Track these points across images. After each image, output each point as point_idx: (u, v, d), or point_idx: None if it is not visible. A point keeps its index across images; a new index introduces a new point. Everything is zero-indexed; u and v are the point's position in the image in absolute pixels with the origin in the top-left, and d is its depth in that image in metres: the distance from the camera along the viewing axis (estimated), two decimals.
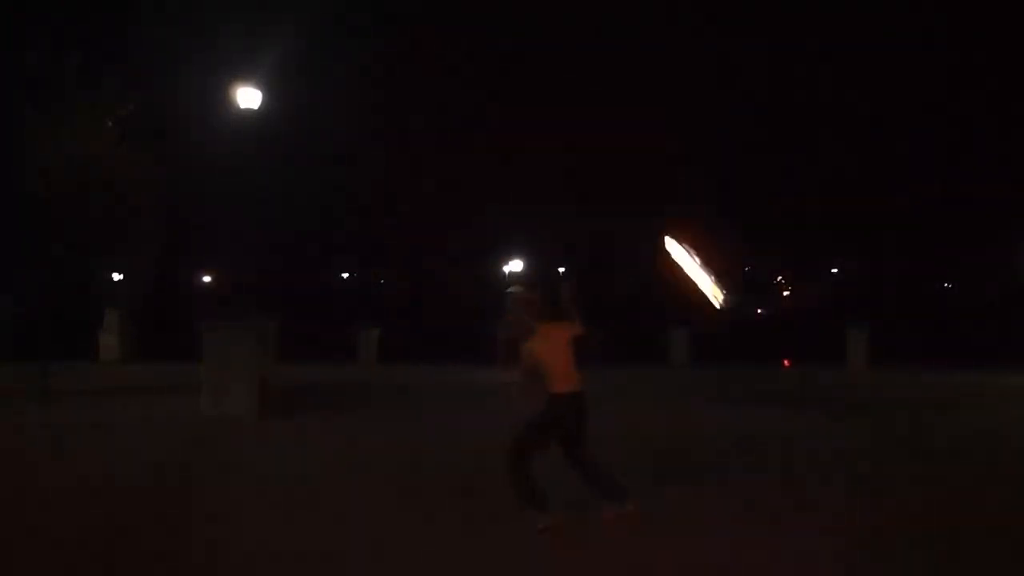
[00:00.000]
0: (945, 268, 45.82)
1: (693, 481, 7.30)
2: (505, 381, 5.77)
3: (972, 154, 37.29)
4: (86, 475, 7.59)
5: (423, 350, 26.93)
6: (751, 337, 33.53)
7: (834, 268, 52.57)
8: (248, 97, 14.16)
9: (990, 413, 13.40)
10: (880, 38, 37.85)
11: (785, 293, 59.57)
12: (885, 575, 4.96)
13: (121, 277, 29.09)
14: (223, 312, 13.25)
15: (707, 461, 8.44)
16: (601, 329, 5.83)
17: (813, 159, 40.50)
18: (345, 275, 54.06)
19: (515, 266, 30.32)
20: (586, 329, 5.72)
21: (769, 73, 37.80)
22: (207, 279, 46.95)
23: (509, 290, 5.89)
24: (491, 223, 36.89)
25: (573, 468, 5.78)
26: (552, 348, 5.60)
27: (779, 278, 58.24)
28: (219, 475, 7.69)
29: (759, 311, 55.58)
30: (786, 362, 28.41)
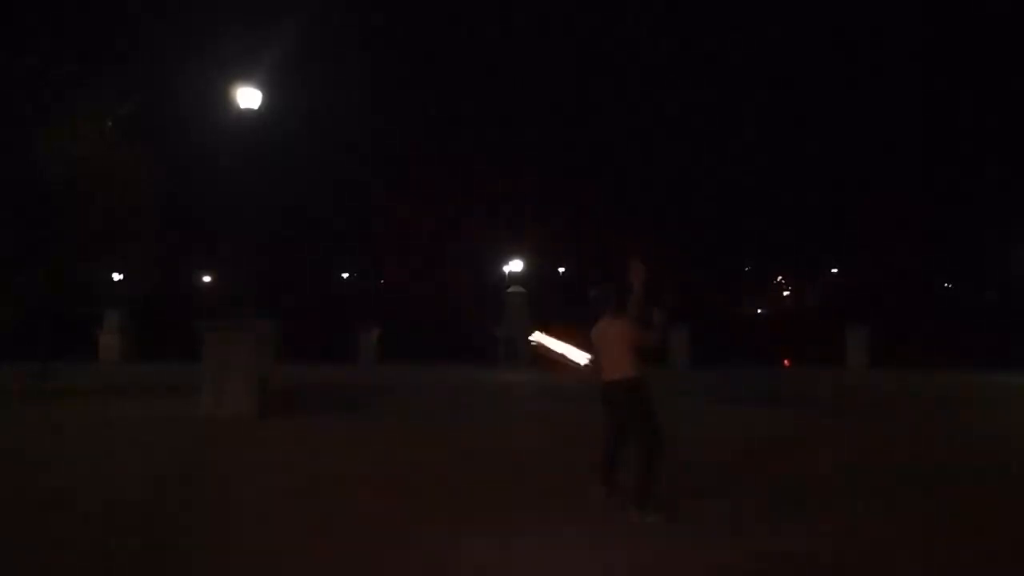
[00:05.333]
0: (945, 268, 45.82)
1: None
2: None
3: (973, 154, 37.34)
4: (85, 475, 7.59)
5: (423, 350, 26.94)
6: (752, 337, 33.57)
7: (834, 268, 52.55)
8: (248, 97, 14.16)
9: (994, 413, 13.40)
10: (882, 35, 37.86)
11: (785, 293, 59.60)
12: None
13: (121, 277, 29.06)
14: (223, 312, 13.25)
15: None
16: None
17: (812, 158, 40.54)
18: (345, 275, 54.09)
19: (515, 266, 30.27)
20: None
21: (767, 73, 37.84)
22: (207, 279, 46.94)
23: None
24: (490, 222, 36.94)
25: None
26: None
27: (779, 278, 58.25)
28: (219, 475, 7.68)
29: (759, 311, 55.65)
30: (786, 362, 28.44)
